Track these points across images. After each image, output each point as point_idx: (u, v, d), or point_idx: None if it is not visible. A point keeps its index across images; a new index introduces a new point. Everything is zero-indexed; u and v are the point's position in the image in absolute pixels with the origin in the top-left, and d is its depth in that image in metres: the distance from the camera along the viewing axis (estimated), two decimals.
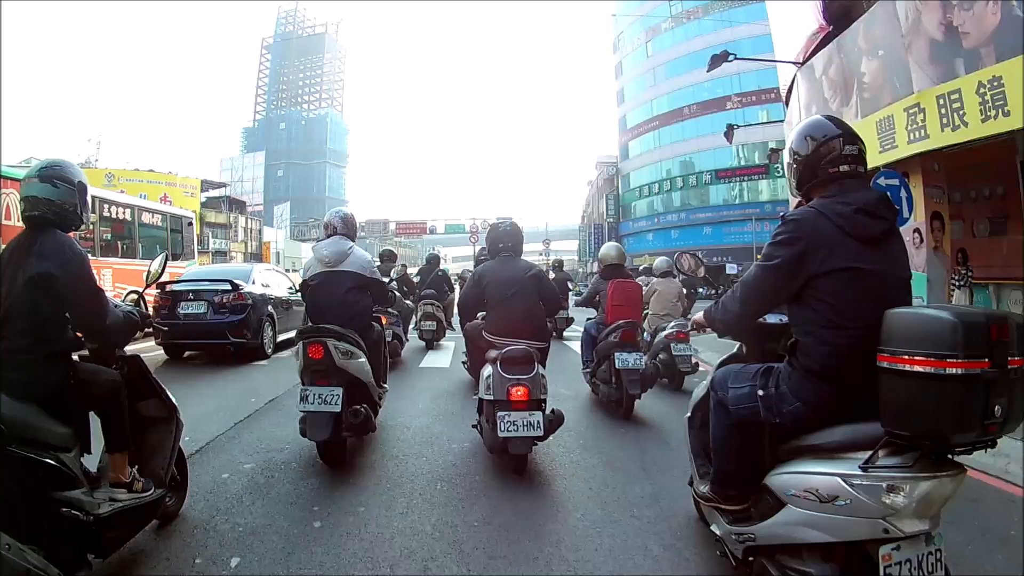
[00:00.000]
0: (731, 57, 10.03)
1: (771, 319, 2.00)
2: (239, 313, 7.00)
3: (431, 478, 3.13)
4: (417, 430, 4.08)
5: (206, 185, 37.15)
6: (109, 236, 10.03)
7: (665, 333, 5.76)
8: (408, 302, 7.97)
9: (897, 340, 1.46)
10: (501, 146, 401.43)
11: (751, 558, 1.84)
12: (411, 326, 8.37)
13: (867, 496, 1.48)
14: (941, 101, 5.71)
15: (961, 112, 5.47)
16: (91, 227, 9.09)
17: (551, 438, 3.33)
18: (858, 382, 1.57)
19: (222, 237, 36.93)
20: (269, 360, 7.29)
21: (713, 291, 2.28)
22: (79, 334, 2.09)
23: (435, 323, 8.26)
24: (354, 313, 3.41)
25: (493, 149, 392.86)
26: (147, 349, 7.08)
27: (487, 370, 3.18)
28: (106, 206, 9.92)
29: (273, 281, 8.38)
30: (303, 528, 2.51)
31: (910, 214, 5.52)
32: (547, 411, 3.17)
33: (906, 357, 1.42)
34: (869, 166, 6.10)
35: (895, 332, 1.48)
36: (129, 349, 2.39)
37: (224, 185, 44.13)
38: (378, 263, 7.54)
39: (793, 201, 2.79)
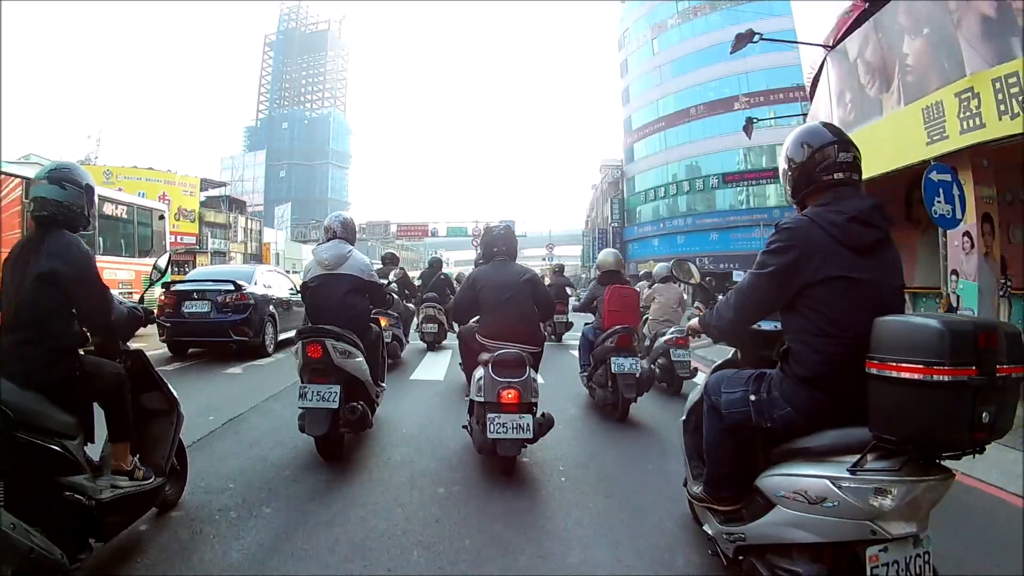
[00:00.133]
0: (757, 37, 9.25)
1: (766, 326, 2.05)
2: (242, 312, 7.40)
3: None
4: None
5: (206, 184, 37.20)
6: None
7: (664, 339, 5.86)
8: (410, 305, 8.16)
9: (886, 347, 1.51)
10: (505, 148, 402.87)
11: (741, 557, 1.90)
12: (412, 328, 8.57)
13: (855, 498, 1.53)
14: (997, 85, 5.00)
15: (1020, 98, 4.84)
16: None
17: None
18: (849, 390, 1.61)
19: (221, 237, 36.98)
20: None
21: (710, 299, 2.36)
22: (84, 328, 2.21)
23: (436, 325, 8.48)
24: (352, 314, 3.57)
25: (496, 151, 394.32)
26: (151, 347, 7.22)
27: (479, 372, 3.25)
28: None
29: (275, 282, 8.78)
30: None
31: (962, 215, 5.03)
32: (538, 414, 3.23)
33: (894, 364, 1.47)
34: (916, 159, 5.70)
35: (884, 339, 1.53)
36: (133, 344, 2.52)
37: (224, 184, 44.26)
38: (380, 266, 7.79)
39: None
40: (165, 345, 7.70)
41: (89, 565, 2.00)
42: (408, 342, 8.07)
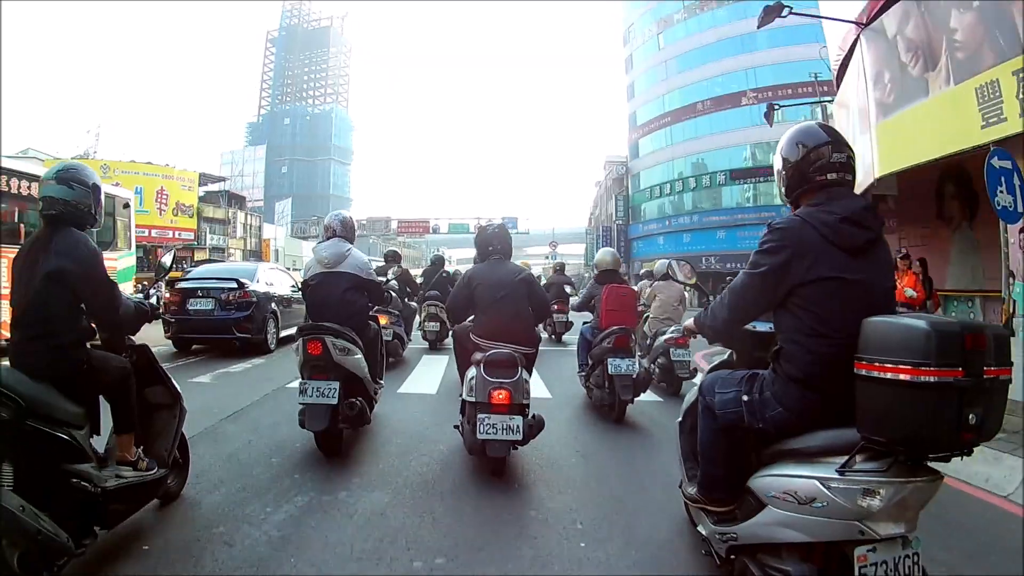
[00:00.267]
0: (786, 12, 8.53)
1: (761, 327, 2.07)
2: (245, 310, 7.69)
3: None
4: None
5: (204, 179, 37.07)
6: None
7: (665, 338, 5.87)
8: (412, 303, 8.22)
9: (873, 348, 1.54)
10: (507, 145, 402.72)
11: (733, 557, 1.93)
12: (415, 327, 8.66)
13: (843, 499, 1.55)
14: None
15: None
16: None
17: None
18: (839, 390, 1.63)
19: (220, 233, 37.01)
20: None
21: (705, 299, 2.36)
22: (92, 323, 2.31)
23: (439, 324, 8.49)
24: (351, 312, 3.67)
25: (499, 148, 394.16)
26: (156, 343, 7.26)
27: (471, 372, 3.27)
28: (3, 178, 7.77)
29: (276, 280, 9.03)
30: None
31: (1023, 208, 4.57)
32: (529, 416, 3.24)
33: (881, 365, 1.49)
34: (969, 144, 5.29)
35: (872, 340, 1.55)
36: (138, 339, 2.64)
37: (223, 179, 44.31)
38: (382, 263, 7.98)
39: None
40: (170, 341, 7.94)
41: (93, 551, 2.10)
42: (410, 340, 8.14)
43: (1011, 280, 5.22)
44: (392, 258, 8.30)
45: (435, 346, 8.62)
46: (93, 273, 2.19)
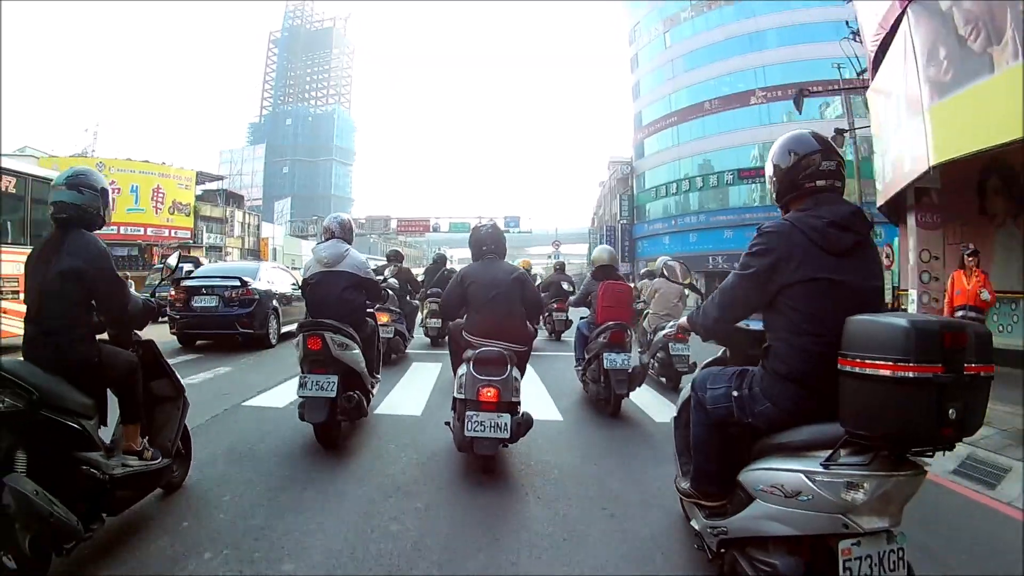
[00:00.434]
0: None
1: (754, 326, 2.13)
2: (247, 306, 8.17)
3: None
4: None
5: (202, 177, 37.09)
6: None
7: (664, 333, 5.78)
8: (414, 301, 8.40)
9: (856, 345, 1.61)
10: (510, 145, 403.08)
11: (723, 550, 2.00)
12: (416, 324, 8.87)
13: (827, 492, 1.61)
14: None
15: None
16: None
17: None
18: (825, 386, 1.69)
19: (217, 232, 37.15)
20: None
21: (700, 298, 2.43)
22: (102, 319, 2.46)
23: (440, 320, 8.63)
24: (350, 309, 3.88)
25: (502, 148, 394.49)
26: (161, 338, 7.52)
27: (462, 369, 3.36)
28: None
29: (278, 278, 9.55)
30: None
31: None
32: (519, 414, 3.31)
33: (863, 361, 1.56)
34: None
35: (854, 338, 1.62)
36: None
37: (221, 178, 44.42)
38: (385, 262, 8.33)
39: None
40: (175, 337, 8.32)
41: (100, 535, 2.24)
42: (412, 337, 8.32)
43: None
44: (394, 257, 8.51)
45: (437, 342, 8.80)
46: (104, 272, 2.35)
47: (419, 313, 8.99)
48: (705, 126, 37.93)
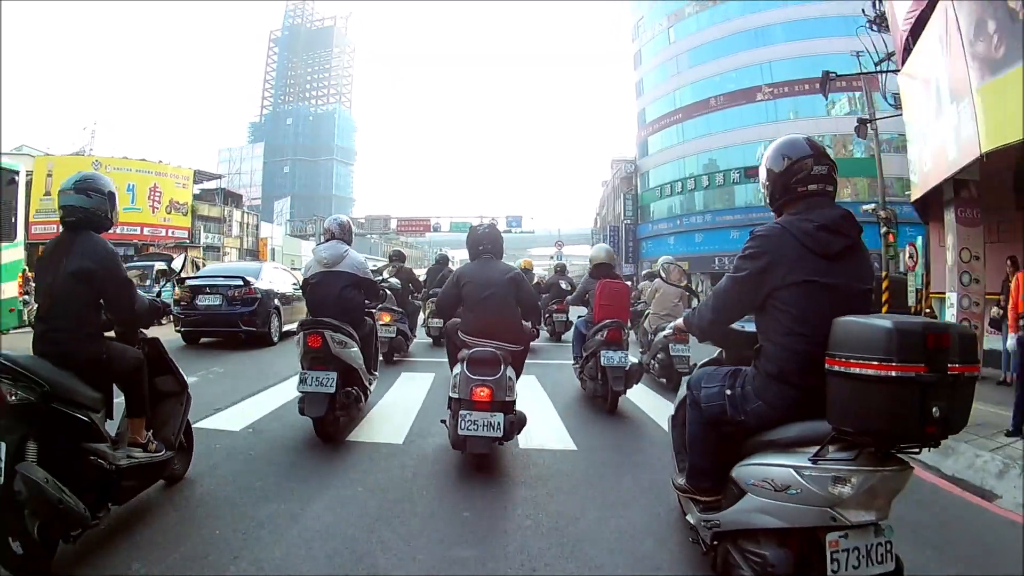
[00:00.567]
0: None
1: (748, 327, 2.21)
2: (250, 305, 8.55)
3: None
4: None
5: (200, 176, 36.82)
6: None
7: (664, 333, 5.93)
8: (417, 301, 8.57)
9: (842, 345, 1.68)
10: (512, 145, 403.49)
11: (716, 543, 2.07)
12: (419, 324, 9.03)
13: (815, 486, 1.69)
14: None
15: None
16: None
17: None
18: (814, 384, 1.77)
19: (215, 231, 37.11)
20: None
21: (696, 300, 2.50)
22: (110, 318, 2.60)
23: (442, 321, 8.59)
24: (349, 308, 4.08)
25: (504, 148, 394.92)
26: (166, 336, 7.77)
27: (456, 369, 3.45)
28: None
29: (279, 278, 9.91)
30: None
31: None
32: (514, 413, 3.39)
33: (848, 360, 1.64)
34: None
35: (841, 338, 1.70)
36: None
37: (219, 177, 44.27)
38: (384, 263, 8.54)
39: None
40: (179, 335, 8.68)
41: (106, 523, 2.37)
42: (414, 337, 8.48)
43: None
44: (396, 257, 8.69)
45: (439, 342, 8.85)
46: (112, 272, 2.49)
47: (421, 313, 9.14)
48: (710, 123, 37.81)
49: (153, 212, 31.14)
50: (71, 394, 2.23)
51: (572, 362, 5.70)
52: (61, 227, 2.55)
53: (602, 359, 4.80)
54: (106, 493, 2.32)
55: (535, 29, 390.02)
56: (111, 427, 2.59)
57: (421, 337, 9.19)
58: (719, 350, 2.54)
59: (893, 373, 1.53)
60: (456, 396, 3.32)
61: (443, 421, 3.65)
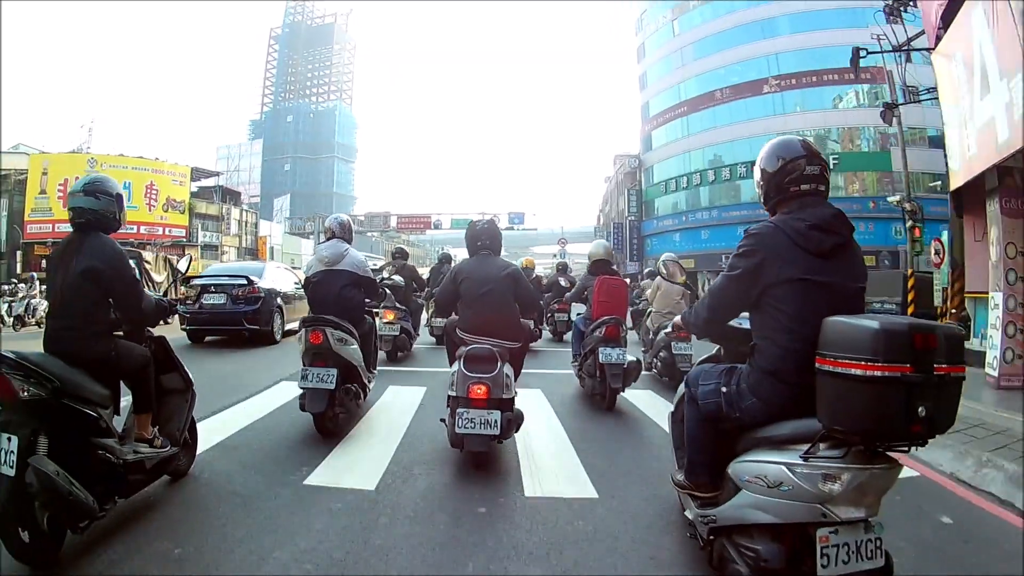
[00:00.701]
0: None
1: (745, 325, 2.26)
2: (254, 304, 8.91)
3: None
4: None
5: (197, 174, 36.75)
6: None
7: (666, 331, 6.05)
8: (421, 299, 8.66)
9: (831, 345, 1.74)
10: (515, 143, 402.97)
11: (712, 538, 2.13)
12: (422, 323, 9.13)
13: (806, 483, 1.75)
14: None
15: None
16: None
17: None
18: (806, 382, 1.82)
19: (213, 230, 37.16)
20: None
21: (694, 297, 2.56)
22: (118, 316, 2.70)
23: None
24: (349, 306, 4.24)
25: (506, 146, 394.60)
26: (172, 334, 7.98)
27: (454, 366, 3.50)
28: None
29: (281, 278, 10.29)
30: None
31: None
32: (512, 411, 3.42)
33: (837, 360, 1.70)
34: None
35: (830, 338, 1.76)
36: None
37: (217, 174, 44.18)
38: (384, 262, 8.63)
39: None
40: (184, 333, 8.97)
41: (112, 515, 2.48)
42: (418, 335, 8.59)
43: None
44: (400, 255, 8.84)
45: (442, 341, 8.92)
46: (120, 272, 2.60)
47: (424, 312, 9.23)
48: (716, 116, 37.55)
49: (150, 210, 31.23)
50: (81, 390, 2.34)
51: (571, 360, 5.76)
52: (71, 228, 2.67)
53: (600, 356, 4.86)
54: (113, 486, 2.43)
55: (537, 24, 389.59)
56: (118, 423, 2.71)
57: (424, 336, 9.27)
58: (717, 347, 2.61)
59: (879, 373, 1.59)
60: (454, 394, 3.37)
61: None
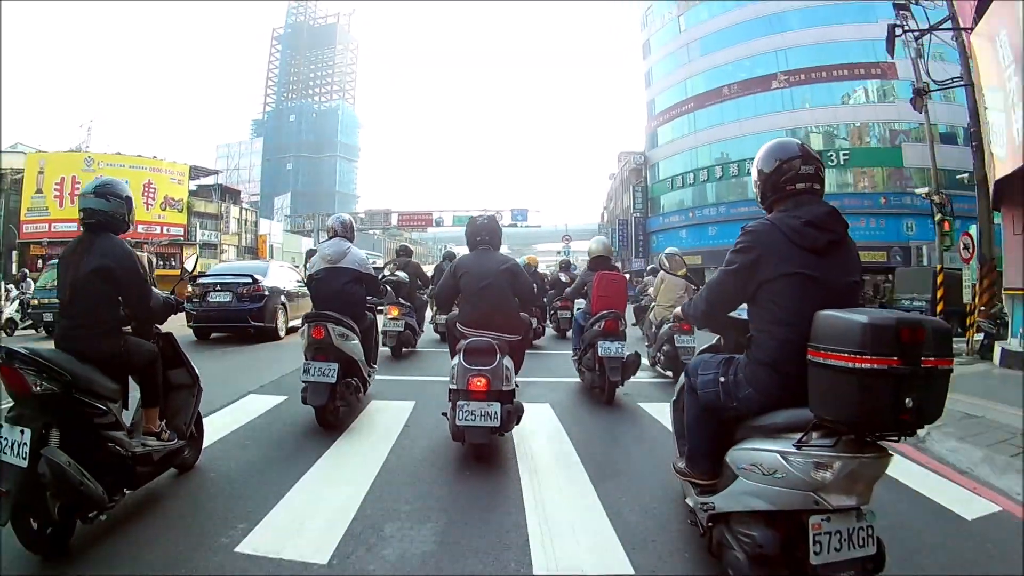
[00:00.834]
0: None
1: (745, 316, 2.31)
2: (258, 302, 9.30)
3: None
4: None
5: (196, 172, 36.97)
6: None
7: (669, 325, 6.12)
8: (425, 296, 8.84)
9: (822, 338, 1.82)
10: (518, 142, 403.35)
11: (711, 524, 2.21)
12: (426, 319, 9.32)
13: (799, 471, 1.82)
14: None
15: None
16: None
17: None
18: (800, 372, 1.90)
19: (212, 228, 37.39)
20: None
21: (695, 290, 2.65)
22: (127, 314, 2.81)
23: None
24: (351, 303, 4.40)
25: (509, 144, 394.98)
26: (178, 331, 8.17)
27: (454, 360, 3.57)
28: None
29: (285, 276, 10.73)
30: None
31: None
32: (512, 403, 3.49)
33: (827, 352, 1.77)
34: None
35: (821, 331, 1.84)
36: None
37: (216, 172, 44.33)
38: (385, 261, 8.72)
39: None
40: (191, 330, 9.32)
41: (121, 506, 2.59)
42: (422, 331, 8.78)
43: None
44: (404, 252, 9.00)
45: (446, 338, 9.05)
46: (129, 271, 2.70)
47: (428, 309, 9.44)
48: (723, 112, 37.41)
49: (147, 209, 31.36)
50: (91, 385, 2.45)
51: (572, 355, 5.89)
52: (82, 228, 2.79)
53: (599, 349, 4.96)
54: (122, 478, 2.53)
55: (541, 22, 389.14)
56: (127, 417, 2.81)
57: (429, 334, 9.43)
58: (717, 337, 2.70)
59: (867, 365, 1.66)
60: (454, 387, 3.46)
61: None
